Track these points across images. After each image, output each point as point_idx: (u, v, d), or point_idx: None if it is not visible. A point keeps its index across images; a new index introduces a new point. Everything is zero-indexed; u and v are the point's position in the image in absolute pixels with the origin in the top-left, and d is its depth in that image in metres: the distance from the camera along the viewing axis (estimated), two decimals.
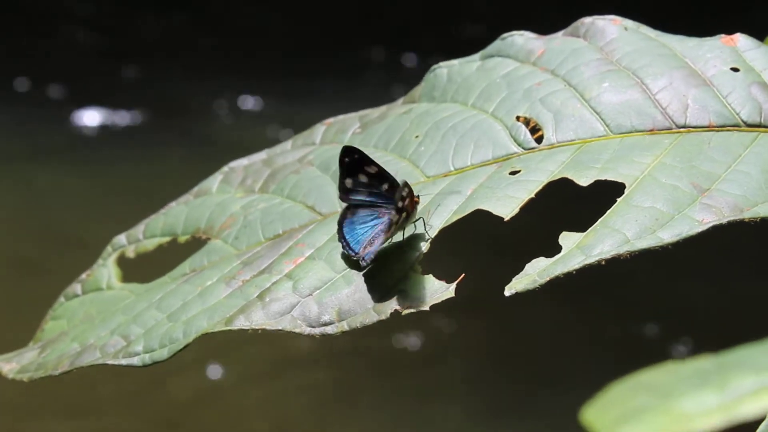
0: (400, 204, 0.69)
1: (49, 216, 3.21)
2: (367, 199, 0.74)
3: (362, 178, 0.74)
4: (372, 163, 0.73)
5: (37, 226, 3.16)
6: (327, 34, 4.53)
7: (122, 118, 3.91)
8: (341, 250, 0.72)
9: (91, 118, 3.91)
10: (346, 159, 0.74)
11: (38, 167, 3.50)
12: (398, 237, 0.72)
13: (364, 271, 0.70)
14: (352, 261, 0.71)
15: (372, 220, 0.72)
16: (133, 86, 4.14)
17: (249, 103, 4.06)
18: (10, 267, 2.95)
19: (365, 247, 0.70)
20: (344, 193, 0.74)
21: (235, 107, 4.04)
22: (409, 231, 0.72)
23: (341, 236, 0.72)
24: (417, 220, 0.71)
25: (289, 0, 4.73)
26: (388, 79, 4.18)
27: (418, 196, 0.72)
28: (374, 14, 4.68)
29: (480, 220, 0.71)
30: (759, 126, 0.70)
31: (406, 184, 0.69)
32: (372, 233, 0.71)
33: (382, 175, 0.73)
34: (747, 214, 0.64)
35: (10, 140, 3.67)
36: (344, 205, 0.75)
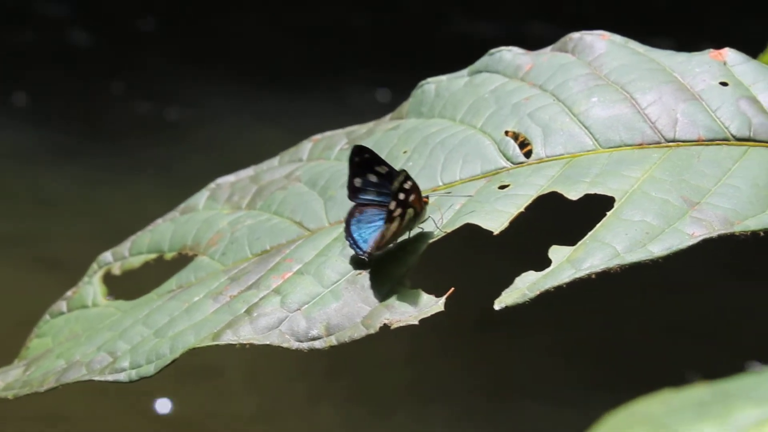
0: (401, 196, 0.68)
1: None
2: (376, 198, 0.74)
3: (372, 178, 0.74)
4: (383, 162, 0.74)
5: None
6: None
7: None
8: (331, 262, 0.72)
9: None
10: (356, 158, 0.74)
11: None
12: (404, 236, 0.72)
13: (355, 283, 0.69)
14: (342, 271, 0.71)
15: (380, 219, 0.72)
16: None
17: None
18: None
19: (372, 246, 0.70)
20: (353, 192, 0.74)
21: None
22: (415, 231, 0.72)
23: (348, 234, 0.72)
24: (425, 221, 0.71)
25: None
26: None
27: (427, 197, 0.72)
28: None
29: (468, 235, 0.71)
30: (748, 140, 0.70)
31: (403, 173, 0.68)
32: (379, 232, 0.70)
33: (393, 175, 0.73)
34: (737, 228, 0.64)
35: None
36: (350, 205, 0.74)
